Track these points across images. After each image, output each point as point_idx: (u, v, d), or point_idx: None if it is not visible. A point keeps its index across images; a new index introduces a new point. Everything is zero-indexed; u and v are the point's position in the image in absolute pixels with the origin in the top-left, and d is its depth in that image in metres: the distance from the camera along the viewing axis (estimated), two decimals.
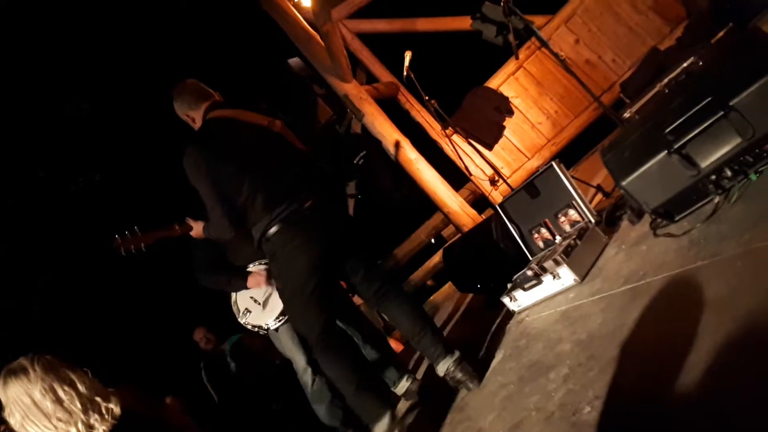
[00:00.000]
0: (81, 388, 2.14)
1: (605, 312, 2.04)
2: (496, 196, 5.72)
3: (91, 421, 2.07)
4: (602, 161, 2.25)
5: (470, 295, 4.27)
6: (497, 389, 2.23)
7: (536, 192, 2.94)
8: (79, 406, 2.08)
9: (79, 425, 2.04)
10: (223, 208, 2.46)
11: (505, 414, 2.00)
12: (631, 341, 1.70)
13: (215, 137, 2.55)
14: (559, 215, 2.86)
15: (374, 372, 2.96)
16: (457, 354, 2.45)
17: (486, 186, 5.75)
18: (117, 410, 2.16)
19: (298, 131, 2.71)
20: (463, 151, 5.72)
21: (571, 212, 2.80)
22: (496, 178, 5.72)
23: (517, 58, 3.64)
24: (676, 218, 2.16)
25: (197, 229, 2.78)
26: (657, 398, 1.38)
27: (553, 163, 2.80)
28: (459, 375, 2.41)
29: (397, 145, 5.12)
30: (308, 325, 2.48)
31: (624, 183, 2.15)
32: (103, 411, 2.12)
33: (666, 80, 3.49)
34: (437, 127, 5.89)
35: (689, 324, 1.51)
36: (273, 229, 2.43)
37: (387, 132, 5.17)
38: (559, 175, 2.77)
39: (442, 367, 2.43)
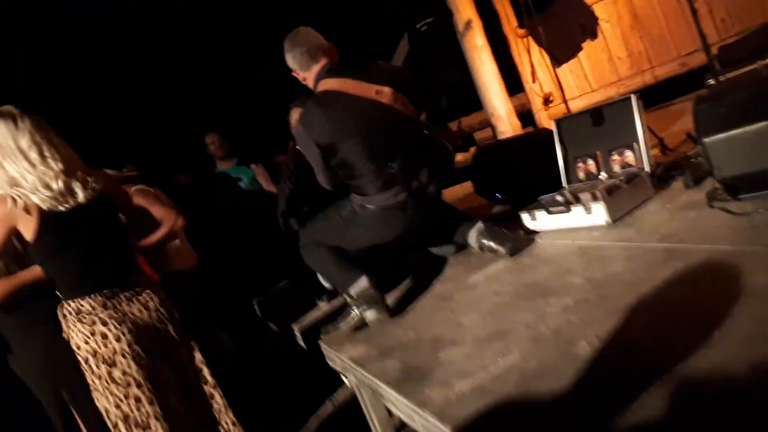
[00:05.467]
0: (66, 153, 2.06)
1: (630, 261, 1.93)
2: (544, 116, 5.45)
3: (73, 185, 2.01)
4: (693, 109, 2.02)
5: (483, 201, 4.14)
6: (489, 294, 2.18)
7: (600, 120, 2.72)
8: (62, 166, 2.00)
9: (60, 183, 1.98)
10: (326, 175, 2.57)
11: (490, 319, 1.94)
12: (653, 297, 1.59)
13: (325, 113, 2.43)
14: (614, 153, 2.67)
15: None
16: (481, 224, 2.59)
17: (537, 103, 5.46)
18: (98, 186, 2.09)
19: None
20: (530, 58, 5.37)
21: (628, 154, 2.60)
22: (552, 97, 5.43)
23: None
24: (741, 196, 1.99)
25: None
26: (666, 362, 1.29)
27: (632, 96, 2.56)
28: (486, 242, 2.54)
29: (468, 24, 4.75)
30: (324, 239, 2.61)
31: (707, 140, 1.95)
32: (86, 180, 2.05)
33: None
34: (513, 22, 5.47)
35: (725, 303, 1.40)
36: (369, 207, 2.51)
37: (464, 6, 4.77)
38: (633, 111, 2.55)
39: (471, 237, 2.59)
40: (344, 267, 2.52)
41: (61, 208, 1.97)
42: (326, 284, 3.12)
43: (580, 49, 5.20)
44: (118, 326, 1.96)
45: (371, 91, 2.43)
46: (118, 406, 1.96)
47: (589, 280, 1.91)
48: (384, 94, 2.44)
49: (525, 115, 5.52)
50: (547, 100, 5.43)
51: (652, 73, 5.17)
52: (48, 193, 1.95)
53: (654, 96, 5.52)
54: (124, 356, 1.95)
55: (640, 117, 2.53)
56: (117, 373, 1.93)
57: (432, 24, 5.00)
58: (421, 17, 5.23)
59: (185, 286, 3.06)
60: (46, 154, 1.98)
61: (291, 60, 2.56)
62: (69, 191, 1.99)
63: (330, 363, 2.38)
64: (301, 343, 2.79)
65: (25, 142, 1.95)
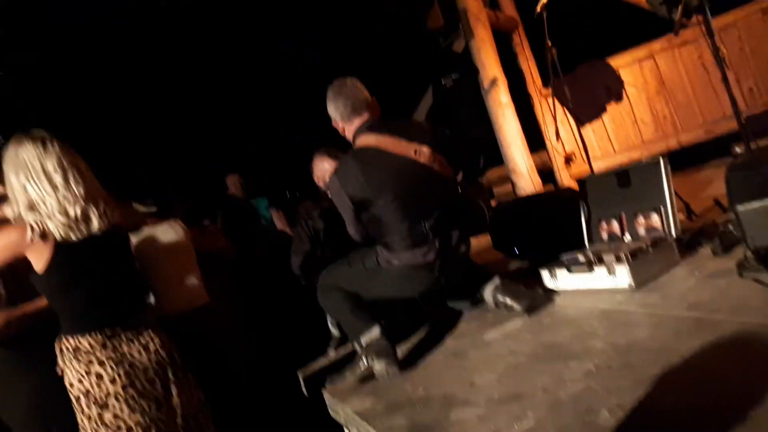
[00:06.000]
0: (90, 180, 2.05)
1: (655, 329, 1.83)
2: (565, 174, 5.41)
3: (90, 212, 1.98)
4: (726, 176, 1.97)
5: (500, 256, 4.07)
6: (504, 353, 2.08)
7: (626, 182, 2.67)
8: (83, 193, 1.98)
9: (78, 209, 1.95)
10: (357, 228, 2.56)
11: (506, 380, 1.84)
12: (682, 369, 1.50)
13: (361, 168, 2.43)
14: (639, 215, 2.60)
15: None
16: (497, 279, 2.53)
17: (559, 161, 5.44)
18: (115, 217, 2.07)
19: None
20: (553, 116, 5.37)
21: (654, 217, 2.53)
22: (573, 157, 5.41)
23: (676, 35, 3.24)
24: None
25: None
26: None
27: (661, 159, 2.51)
28: (501, 297, 2.47)
29: (494, 82, 4.79)
30: (345, 285, 2.57)
31: (741, 208, 1.88)
32: (103, 210, 2.03)
33: None
34: (538, 82, 5.52)
35: (762, 384, 1.30)
36: (395, 263, 2.48)
37: (490, 64, 4.83)
38: (661, 174, 2.49)
39: (486, 293, 2.53)
40: (358, 315, 2.45)
41: (74, 238, 1.94)
42: (334, 331, 3.04)
43: (604, 110, 5.21)
44: (114, 367, 1.89)
45: (410, 150, 2.42)
46: None
47: (612, 345, 1.81)
48: (422, 153, 2.42)
49: (545, 173, 5.50)
50: (568, 160, 5.41)
51: (677, 139, 5.15)
52: (64, 220, 1.92)
53: (678, 161, 5.48)
54: (117, 399, 1.86)
55: (668, 180, 2.48)
56: (108, 416, 1.85)
57: (457, 80, 5.05)
58: (446, 72, 5.30)
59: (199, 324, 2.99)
60: (70, 178, 1.97)
61: (333, 110, 2.56)
62: (85, 218, 1.97)
63: (333, 414, 2.27)
64: (304, 390, 2.69)
65: (51, 164, 1.94)
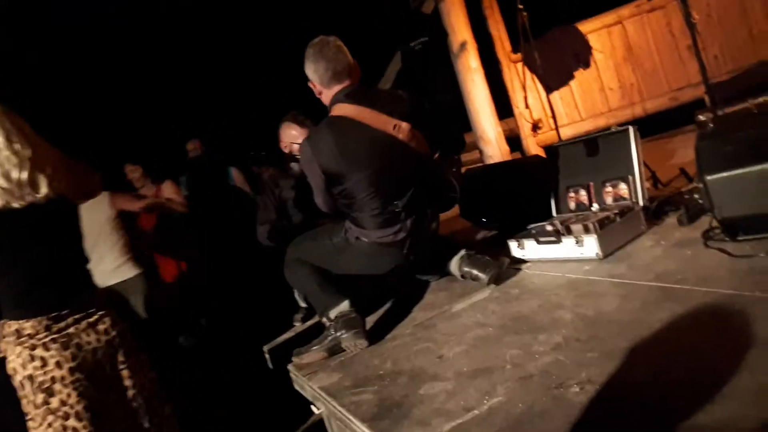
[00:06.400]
0: (39, 145, 1.90)
1: (623, 300, 1.83)
2: (532, 142, 5.40)
3: (37, 178, 1.84)
4: (696, 145, 1.95)
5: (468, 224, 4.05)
6: (472, 325, 2.06)
7: (595, 150, 2.65)
8: (29, 154, 1.83)
9: (23, 172, 1.80)
10: (326, 199, 2.47)
11: (474, 353, 1.82)
12: (650, 341, 1.49)
13: (336, 141, 2.32)
14: (607, 185, 2.59)
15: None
16: (463, 251, 2.49)
17: (526, 128, 5.42)
18: (64, 186, 1.93)
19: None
20: (522, 83, 5.33)
21: (622, 186, 2.53)
22: (540, 124, 5.39)
23: None
24: (740, 237, 1.92)
25: None
26: (666, 416, 1.18)
27: (630, 128, 2.49)
28: (468, 268, 2.44)
29: (463, 46, 4.70)
30: (311, 260, 2.51)
31: (709, 177, 1.87)
32: (52, 176, 1.88)
33: (761, 100, 3.16)
34: (507, 47, 5.44)
35: (731, 353, 1.30)
36: (364, 240, 2.43)
37: (459, 28, 4.73)
38: (630, 143, 2.48)
39: (453, 265, 2.50)
40: (327, 289, 2.40)
41: (16, 205, 1.79)
42: (302, 303, 2.98)
43: (572, 77, 5.18)
44: (61, 351, 1.77)
45: (389, 125, 2.33)
46: None
47: (580, 317, 1.80)
48: (401, 129, 2.34)
49: (512, 140, 5.47)
50: (535, 127, 5.39)
51: (643, 106, 5.16)
52: (4, 184, 1.78)
53: (643, 129, 5.51)
54: (63, 384, 1.76)
55: (637, 150, 2.47)
56: (55, 403, 1.74)
57: (426, 44, 4.93)
58: (415, 36, 5.17)
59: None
60: (14, 140, 1.81)
61: (312, 72, 2.41)
62: (32, 184, 1.81)
63: (299, 390, 2.23)
64: (269, 364, 2.64)
65: None
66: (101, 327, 1.90)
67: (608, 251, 2.25)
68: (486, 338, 1.91)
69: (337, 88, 2.40)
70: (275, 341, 2.76)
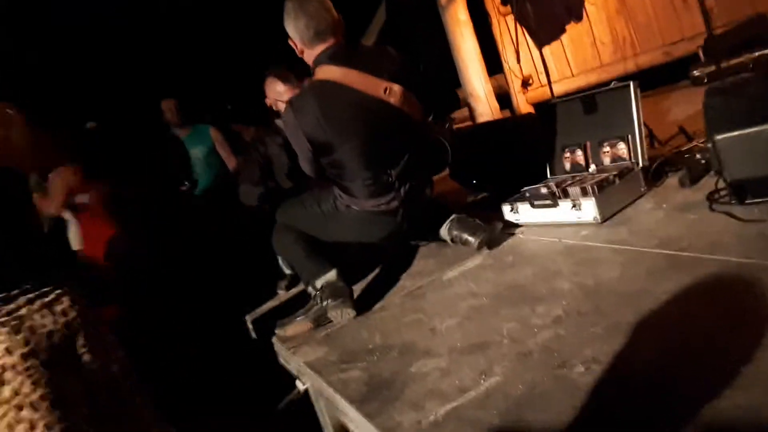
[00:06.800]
0: None
1: (626, 267, 1.73)
2: (522, 99, 5.24)
3: None
4: (704, 102, 1.82)
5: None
6: (465, 295, 1.95)
7: (593, 108, 2.51)
8: None
9: None
10: (312, 166, 2.32)
11: (468, 326, 1.72)
12: (658, 315, 1.39)
13: (322, 109, 2.14)
14: (605, 144, 2.47)
15: None
16: (453, 215, 2.39)
17: (516, 85, 5.24)
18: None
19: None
20: (512, 38, 5.11)
21: (621, 146, 2.40)
22: (531, 80, 5.22)
23: None
24: (748, 201, 1.81)
25: None
26: (679, 398, 1.09)
27: (631, 84, 2.35)
28: (457, 232, 2.34)
29: None
30: (300, 226, 2.40)
31: (719, 137, 1.75)
32: None
33: (757, 54, 3.04)
34: None
35: (747, 328, 1.21)
36: (355, 209, 2.30)
37: None
38: (630, 100, 2.34)
39: (443, 230, 2.39)
40: (314, 257, 2.28)
41: None
42: (287, 270, 2.85)
43: (563, 31, 4.98)
44: (12, 335, 1.62)
45: (379, 89, 2.15)
46: None
47: (579, 287, 1.70)
48: (393, 93, 2.16)
49: (501, 98, 5.30)
50: (525, 83, 5.22)
51: (635, 61, 4.99)
52: None
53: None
54: (15, 372, 1.61)
55: (637, 107, 2.33)
56: (6, 393, 1.60)
57: None
58: None
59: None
60: None
61: (293, 29, 2.20)
62: None
63: (283, 363, 2.13)
64: (253, 335, 2.53)
65: None
66: (58, 308, 1.72)
67: (607, 215, 2.14)
68: (480, 309, 1.80)
69: (320, 47, 2.20)
70: (258, 310, 2.64)
